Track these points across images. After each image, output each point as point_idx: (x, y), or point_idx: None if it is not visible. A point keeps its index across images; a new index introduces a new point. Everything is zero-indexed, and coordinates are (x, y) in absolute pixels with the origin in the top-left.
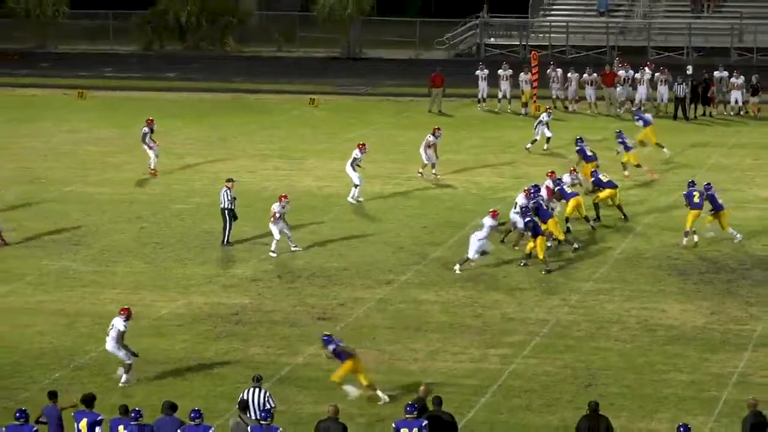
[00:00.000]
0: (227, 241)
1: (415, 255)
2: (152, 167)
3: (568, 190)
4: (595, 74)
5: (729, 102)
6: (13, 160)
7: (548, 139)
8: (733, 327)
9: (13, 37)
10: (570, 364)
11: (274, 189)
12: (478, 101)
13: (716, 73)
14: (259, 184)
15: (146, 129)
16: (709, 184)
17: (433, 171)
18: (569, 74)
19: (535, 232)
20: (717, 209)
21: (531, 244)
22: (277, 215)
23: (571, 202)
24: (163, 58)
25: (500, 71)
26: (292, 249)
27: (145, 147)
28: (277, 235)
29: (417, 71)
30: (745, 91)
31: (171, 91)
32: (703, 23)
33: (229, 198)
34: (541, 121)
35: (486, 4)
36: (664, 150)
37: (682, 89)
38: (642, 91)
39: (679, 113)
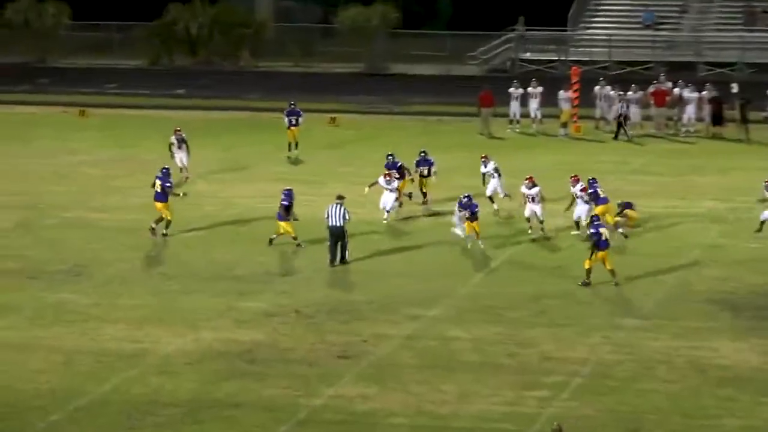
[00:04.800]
0: (344, 258)
1: (444, 288)
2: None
3: (601, 194)
4: (641, 92)
5: None
6: (10, 183)
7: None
8: None
9: (11, 50)
10: (613, 408)
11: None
12: (510, 122)
13: None
14: (268, 211)
15: (174, 139)
16: (593, 178)
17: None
18: (611, 92)
19: (597, 246)
20: (600, 203)
21: (589, 262)
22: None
23: (601, 208)
24: (172, 74)
25: (529, 89)
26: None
27: (176, 157)
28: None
29: (447, 88)
30: None
31: (180, 109)
32: (757, 37)
33: (342, 215)
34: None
35: (522, 16)
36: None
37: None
38: (690, 111)
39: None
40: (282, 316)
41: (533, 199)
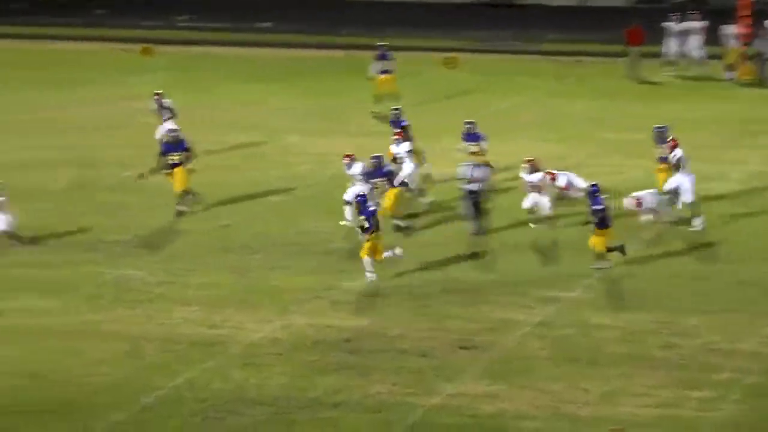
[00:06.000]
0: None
1: (582, 266)
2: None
3: None
4: None
5: None
6: (59, 136)
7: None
8: None
9: None
10: None
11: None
12: (666, 63)
13: None
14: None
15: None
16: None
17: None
18: None
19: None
20: None
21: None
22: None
23: None
24: (255, 3)
25: (689, 23)
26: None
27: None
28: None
29: (587, 22)
30: None
31: (263, 46)
32: None
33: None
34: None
35: None
36: None
37: None
38: None
39: None
40: (389, 297)
41: (536, 188)
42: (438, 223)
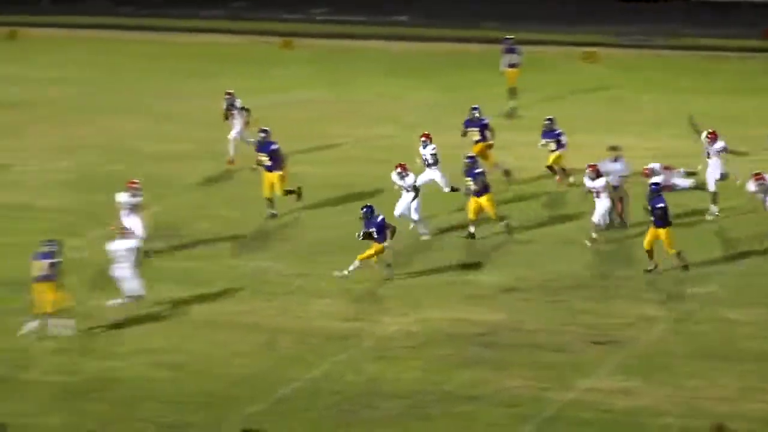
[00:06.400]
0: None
1: (719, 262)
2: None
3: None
4: None
5: None
6: (198, 129)
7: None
8: None
9: None
10: None
11: (532, 170)
12: None
13: None
14: (513, 164)
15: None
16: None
17: None
18: None
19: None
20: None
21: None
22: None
23: None
24: None
25: None
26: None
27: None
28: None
29: (726, 17)
30: None
31: (400, 39)
32: None
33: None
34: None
35: None
36: None
37: None
38: None
39: None
40: (524, 292)
41: (598, 194)
42: (576, 217)
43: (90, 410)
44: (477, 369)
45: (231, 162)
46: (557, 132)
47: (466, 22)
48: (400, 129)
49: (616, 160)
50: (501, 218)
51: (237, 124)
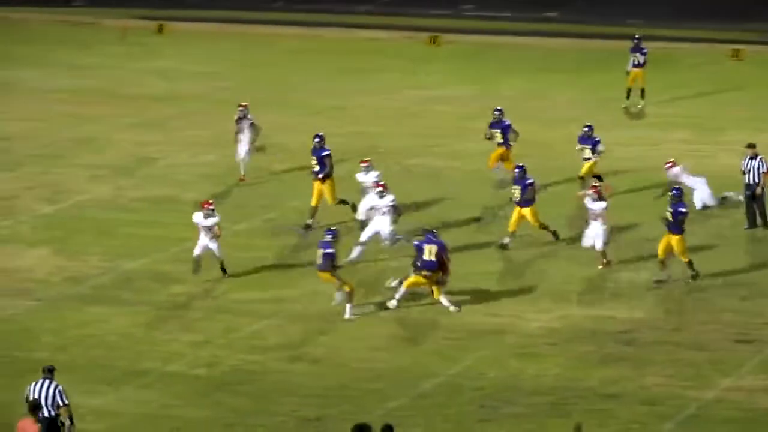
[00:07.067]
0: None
1: None
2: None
3: None
4: None
5: None
6: (348, 123)
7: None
8: None
9: None
10: None
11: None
12: None
13: None
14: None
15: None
16: None
17: None
18: None
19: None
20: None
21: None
22: None
23: None
24: None
25: None
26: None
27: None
28: None
29: None
30: None
31: (550, 36)
32: None
33: (756, 167)
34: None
35: None
36: None
37: None
38: None
39: None
40: (666, 290)
41: (597, 218)
42: (726, 216)
43: (229, 404)
44: (618, 366)
45: (242, 179)
46: (596, 139)
47: (610, 19)
48: (540, 126)
49: (753, 157)
50: (544, 227)
51: (244, 140)
